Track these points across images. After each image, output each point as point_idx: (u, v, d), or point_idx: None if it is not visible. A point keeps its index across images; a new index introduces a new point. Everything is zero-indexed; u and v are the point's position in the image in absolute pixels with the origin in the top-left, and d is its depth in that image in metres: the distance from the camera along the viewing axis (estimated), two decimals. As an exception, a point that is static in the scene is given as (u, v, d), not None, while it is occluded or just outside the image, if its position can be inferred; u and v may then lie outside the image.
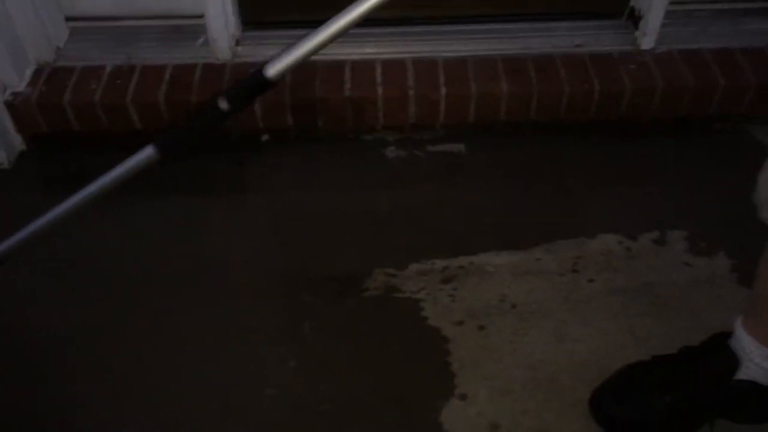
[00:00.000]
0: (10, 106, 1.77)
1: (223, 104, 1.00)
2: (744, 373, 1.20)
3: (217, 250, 1.63)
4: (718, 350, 1.23)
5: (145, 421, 1.32)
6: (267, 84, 1.01)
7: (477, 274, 1.56)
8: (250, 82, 1.01)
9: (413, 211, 1.71)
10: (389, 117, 1.82)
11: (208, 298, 1.52)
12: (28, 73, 1.82)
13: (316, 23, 1.00)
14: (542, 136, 1.89)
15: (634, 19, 1.88)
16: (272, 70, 1.00)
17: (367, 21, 0.98)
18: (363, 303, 1.50)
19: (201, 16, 1.81)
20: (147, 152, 1.06)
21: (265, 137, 1.88)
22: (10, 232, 1.32)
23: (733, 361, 1.20)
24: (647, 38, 1.85)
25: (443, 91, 1.77)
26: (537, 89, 1.78)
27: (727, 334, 1.23)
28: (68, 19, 1.91)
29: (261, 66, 1.01)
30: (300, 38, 1.00)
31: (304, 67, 1.06)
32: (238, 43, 1.87)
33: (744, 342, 1.18)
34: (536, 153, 1.86)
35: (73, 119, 1.78)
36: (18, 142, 1.85)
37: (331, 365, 1.40)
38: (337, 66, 1.82)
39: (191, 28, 1.90)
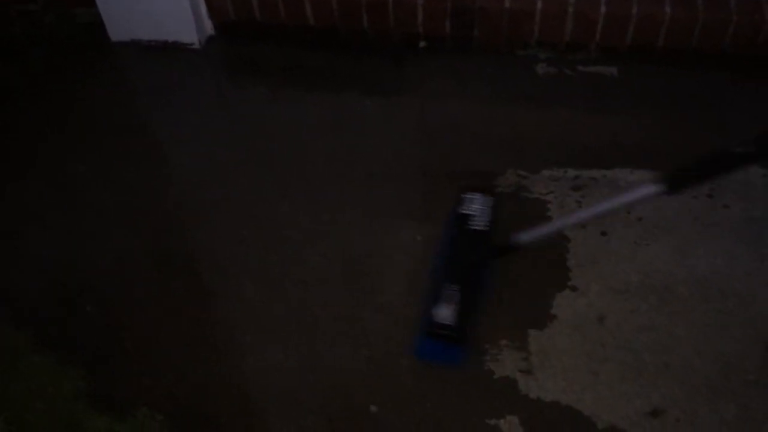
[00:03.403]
0: (205, -7, 2.01)
1: (749, 149, 0.96)
2: None
3: (368, 140, 1.78)
4: None
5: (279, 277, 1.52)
6: None
7: (608, 187, 1.59)
8: None
9: (554, 126, 1.76)
10: (545, 33, 1.86)
11: (357, 179, 1.68)
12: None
13: None
14: (700, 68, 1.85)
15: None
16: None
17: None
18: (492, 197, 1.59)
19: None
20: (651, 188, 1.11)
21: (422, 44, 2.00)
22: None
23: None
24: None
25: (603, 9, 1.77)
26: (702, 15, 1.73)
27: None
28: None
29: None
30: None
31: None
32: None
33: None
34: (691, 84, 1.82)
35: (257, 8, 1.99)
36: (209, 27, 2.10)
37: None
38: (501, -21, 1.88)
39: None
